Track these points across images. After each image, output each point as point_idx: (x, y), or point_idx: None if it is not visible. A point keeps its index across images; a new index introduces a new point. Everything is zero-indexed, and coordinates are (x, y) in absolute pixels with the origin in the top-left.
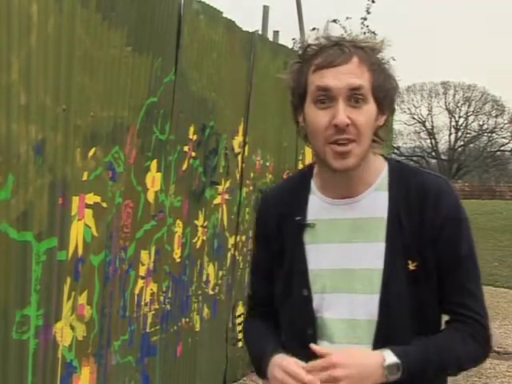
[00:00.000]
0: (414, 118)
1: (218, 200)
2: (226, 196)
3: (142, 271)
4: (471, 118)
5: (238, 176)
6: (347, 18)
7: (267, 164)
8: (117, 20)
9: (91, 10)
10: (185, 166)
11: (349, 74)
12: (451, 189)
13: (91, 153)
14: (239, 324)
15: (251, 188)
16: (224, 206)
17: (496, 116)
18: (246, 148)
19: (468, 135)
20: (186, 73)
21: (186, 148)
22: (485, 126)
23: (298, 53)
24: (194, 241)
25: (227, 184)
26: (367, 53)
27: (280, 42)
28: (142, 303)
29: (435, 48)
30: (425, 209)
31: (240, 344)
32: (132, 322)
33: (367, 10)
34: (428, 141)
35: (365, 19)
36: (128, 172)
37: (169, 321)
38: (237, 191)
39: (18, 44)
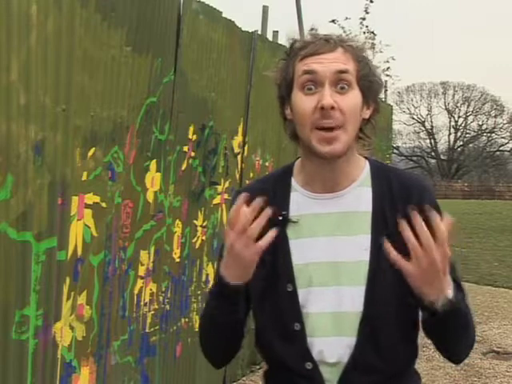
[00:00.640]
0: (413, 118)
1: (217, 200)
2: (226, 196)
3: (142, 271)
4: (470, 118)
5: (237, 176)
6: (346, 18)
7: (267, 164)
8: (116, 20)
9: (91, 9)
10: (184, 166)
11: (334, 60)
12: (430, 187)
13: (91, 153)
14: None
15: None
16: (223, 206)
17: (495, 116)
18: (246, 148)
19: (467, 135)
20: (185, 73)
21: (185, 148)
22: (484, 126)
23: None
24: (194, 241)
25: (227, 184)
26: (353, 48)
27: (279, 41)
28: (142, 303)
29: (434, 48)
30: (409, 204)
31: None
32: (131, 322)
33: (366, 10)
34: (427, 141)
35: (363, 19)
36: (127, 172)
37: (168, 321)
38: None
39: (18, 44)
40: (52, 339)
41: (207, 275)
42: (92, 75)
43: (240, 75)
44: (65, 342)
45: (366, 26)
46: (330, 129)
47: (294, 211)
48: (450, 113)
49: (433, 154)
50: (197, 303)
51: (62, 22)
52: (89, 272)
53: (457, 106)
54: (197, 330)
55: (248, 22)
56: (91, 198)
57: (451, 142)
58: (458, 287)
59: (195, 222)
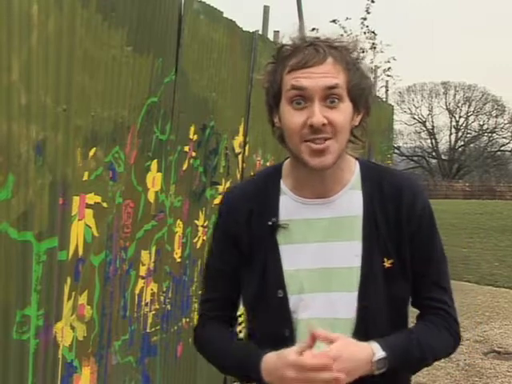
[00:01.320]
0: (414, 118)
1: (218, 200)
2: None
3: (143, 271)
4: (471, 118)
5: (238, 176)
6: (347, 18)
7: (268, 164)
8: (117, 20)
9: (92, 10)
10: (185, 166)
11: (324, 74)
12: (422, 188)
13: (91, 153)
14: (240, 324)
15: None
16: None
17: (496, 116)
18: (247, 148)
19: (468, 135)
20: (186, 73)
21: (186, 148)
22: (485, 126)
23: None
24: (195, 241)
25: (228, 184)
26: (342, 52)
27: (280, 42)
28: (143, 303)
29: (436, 48)
30: (400, 208)
31: None
32: (132, 322)
33: (367, 10)
34: (428, 141)
35: (365, 19)
36: (128, 172)
37: (169, 321)
38: None
39: (19, 44)
40: (53, 339)
41: None
42: (93, 75)
43: (241, 75)
44: (66, 342)
45: (367, 26)
46: (320, 142)
47: (283, 216)
48: (451, 113)
49: (434, 154)
50: (198, 303)
51: (62, 22)
52: (90, 272)
53: (458, 106)
54: None
55: (249, 22)
56: (92, 198)
57: (452, 142)
58: (444, 292)
59: (196, 222)
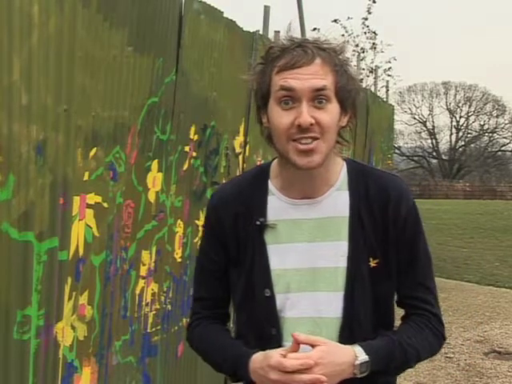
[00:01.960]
0: (414, 118)
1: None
2: None
3: (143, 271)
4: (472, 118)
5: None
6: (348, 18)
7: None
8: (118, 20)
9: (92, 10)
10: (186, 166)
11: (312, 75)
12: (408, 188)
13: (92, 153)
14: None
15: None
16: None
17: (497, 116)
18: (247, 148)
19: (469, 135)
20: (187, 73)
21: (186, 148)
22: (486, 126)
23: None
24: (195, 241)
25: None
26: (330, 54)
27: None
28: (143, 303)
29: (436, 48)
30: (386, 209)
31: None
32: (133, 322)
33: (368, 10)
34: (429, 141)
35: (366, 19)
36: (129, 172)
37: (170, 321)
38: None
39: (19, 44)
40: (53, 339)
41: None
42: (93, 75)
43: (241, 75)
44: (66, 342)
45: (367, 26)
46: (308, 142)
47: (271, 216)
48: (451, 113)
49: (434, 154)
50: None
51: (63, 22)
52: (90, 272)
53: (458, 106)
54: None
55: (249, 22)
56: (93, 198)
57: (453, 142)
58: (428, 292)
59: (197, 222)
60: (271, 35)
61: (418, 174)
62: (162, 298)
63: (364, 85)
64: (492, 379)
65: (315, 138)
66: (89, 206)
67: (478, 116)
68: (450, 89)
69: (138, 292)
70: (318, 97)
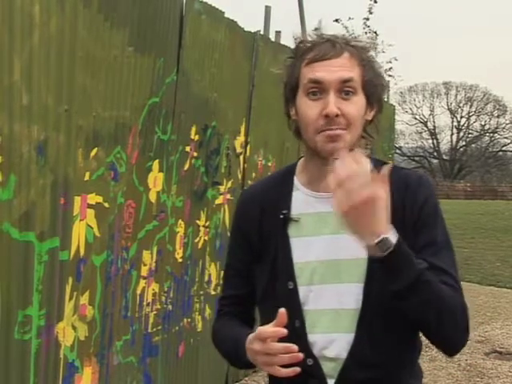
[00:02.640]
0: (415, 118)
1: (219, 200)
2: (228, 196)
3: (144, 271)
4: (473, 118)
5: (239, 176)
6: (349, 18)
7: (269, 164)
8: (119, 20)
9: (93, 10)
10: (187, 166)
11: (340, 67)
12: (431, 182)
13: (93, 153)
14: None
15: None
16: (226, 206)
17: (498, 116)
18: (248, 148)
19: (470, 135)
20: (187, 73)
21: (187, 148)
22: (487, 126)
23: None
24: (196, 241)
25: (229, 184)
26: (358, 50)
27: (282, 42)
28: (144, 303)
29: (437, 48)
30: (405, 197)
31: None
32: (134, 322)
33: (369, 11)
34: (430, 141)
35: (367, 19)
36: (130, 172)
37: (171, 321)
38: (238, 191)
39: (20, 44)
40: (54, 339)
41: (209, 275)
42: (94, 75)
43: (242, 75)
44: (67, 341)
45: (368, 26)
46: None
47: (295, 210)
48: (452, 113)
49: (435, 154)
50: (199, 303)
51: (64, 22)
52: (91, 272)
53: (459, 106)
54: (199, 330)
55: (250, 22)
56: (94, 198)
57: (453, 142)
58: (453, 280)
59: (198, 222)
60: (272, 35)
61: None
62: (163, 298)
63: None
64: (493, 379)
65: (341, 129)
66: (90, 206)
67: (479, 116)
68: (451, 89)
69: (138, 292)
70: (344, 88)
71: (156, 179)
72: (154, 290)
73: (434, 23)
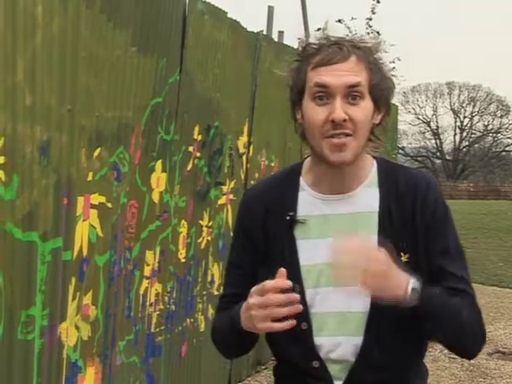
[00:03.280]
0: (418, 119)
1: (222, 200)
2: (231, 196)
3: (147, 271)
4: (476, 119)
5: (242, 176)
6: (352, 18)
7: (272, 164)
8: (122, 20)
9: (96, 10)
10: (190, 167)
11: (347, 72)
12: (437, 183)
13: (96, 153)
14: None
15: None
16: (229, 207)
17: (501, 116)
18: (251, 148)
19: (473, 135)
20: (190, 73)
21: (190, 148)
22: (490, 127)
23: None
24: (199, 241)
25: (232, 184)
26: (365, 52)
27: (285, 42)
28: (147, 303)
29: (440, 48)
30: (415, 202)
31: None
32: (137, 322)
33: (372, 11)
34: (433, 141)
35: (370, 19)
36: (133, 172)
37: (174, 321)
38: (241, 191)
39: (23, 44)
40: (57, 339)
41: (212, 275)
42: (97, 75)
43: (245, 75)
44: (70, 342)
45: (371, 26)
46: (341, 137)
47: (301, 211)
48: (455, 113)
49: (438, 154)
50: (202, 303)
51: (67, 23)
52: (94, 272)
53: (462, 107)
54: (202, 330)
55: (253, 23)
56: (97, 199)
57: (457, 143)
58: (465, 284)
59: (200, 222)
60: (275, 35)
61: None
62: (166, 299)
63: None
64: (496, 380)
65: (348, 135)
66: (93, 207)
67: (482, 116)
68: (454, 89)
69: (141, 292)
70: (351, 93)
71: (159, 179)
72: (156, 290)
73: (436, 23)
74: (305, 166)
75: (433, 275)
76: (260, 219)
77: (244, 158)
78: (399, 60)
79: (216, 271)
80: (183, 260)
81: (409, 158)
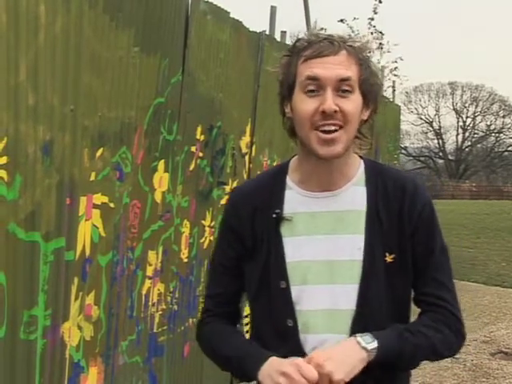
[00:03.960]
0: (421, 119)
1: (225, 200)
2: None
3: (150, 271)
4: (479, 119)
5: (245, 176)
6: (354, 18)
7: (274, 164)
8: (124, 20)
9: (99, 10)
10: (192, 167)
11: (338, 65)
12: (424, 185)
13: (99, 153)
14: (246, 324)
15: None
16: None
17: (503, 116)
18: (253, 148)
19: (475, 135)
20: (193, 73)
21: (193, 148)
22: (492, 127)
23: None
24: (202, 241)
25: (234, 184)
26: (355, 49)
27: (287, 42)
28: (150, 303)
29: (442, 48)
30: (402, 204)
31: None
32: (139, 322)
33: (374, 11)
34: (435, 141)
35: (372, 19)
36: (135, 172)
37: (176, 321)
38: None
39: (26, 44)
40: (60, 339)
41: None
42: (100, 76)
43: (248, 75)
44: (73, 342)
45: (374, 26)
46: (330, 130)
47: (288, 209)
48: (457, 113)
49: (441, 154)
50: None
51: (70, 23)
52: (97, 272)
53: (465, 107)
54: None
55: (256, 23)
56: (99, 199)
57: (459, 143)
58: (446, 290)
59: (203, 222)
60: (278, 35)
61: (425, 175)
62: (169, 298)
63: None
64: (499, 380)
65: (338, 126)
66: (95, 207)
67: (484, 116)
68: (457, 89)
69: (144, 292)
70: (342, 86)
71: (161, 179)
72: (159, 290)
73: (439, 22)
74: (292, 164)
75: (416, 278)
76: (248, 218)
77: (246, 157)
78: (402, 60)
79: None
80: (186, 260)
81: (411, 157)
